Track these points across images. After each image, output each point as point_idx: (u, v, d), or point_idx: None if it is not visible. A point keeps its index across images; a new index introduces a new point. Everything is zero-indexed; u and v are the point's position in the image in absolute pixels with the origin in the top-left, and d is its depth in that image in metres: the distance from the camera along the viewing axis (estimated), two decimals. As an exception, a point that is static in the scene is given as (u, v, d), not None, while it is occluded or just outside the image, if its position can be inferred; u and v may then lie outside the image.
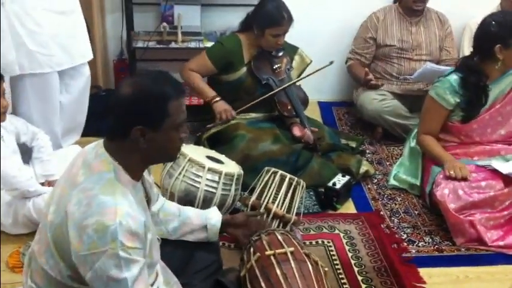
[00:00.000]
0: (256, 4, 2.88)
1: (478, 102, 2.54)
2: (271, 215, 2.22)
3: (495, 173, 2.46)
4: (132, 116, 1.39)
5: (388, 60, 3.34)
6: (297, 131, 2.83)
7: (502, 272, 2.25)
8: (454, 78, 2.53)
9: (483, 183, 2.43)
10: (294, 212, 2.28)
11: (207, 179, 2.26)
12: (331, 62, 2.87)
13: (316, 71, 2.91)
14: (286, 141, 2.78)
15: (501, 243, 2.36)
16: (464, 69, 2.54)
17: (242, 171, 2.39)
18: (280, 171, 2.31)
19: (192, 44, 3.28)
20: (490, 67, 2.49)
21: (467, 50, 3.21)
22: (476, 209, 2.39)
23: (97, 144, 1.48)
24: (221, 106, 2.84)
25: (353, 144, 3.11)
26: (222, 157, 2.47)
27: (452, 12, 3.45)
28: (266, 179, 2.31)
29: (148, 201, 1.61)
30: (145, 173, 1.59)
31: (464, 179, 2.43)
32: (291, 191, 2.28)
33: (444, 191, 2.42)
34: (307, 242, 2.33)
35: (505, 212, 2.40)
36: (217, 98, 2.85)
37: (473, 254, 2.35)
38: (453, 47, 3.38)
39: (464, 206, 2.38)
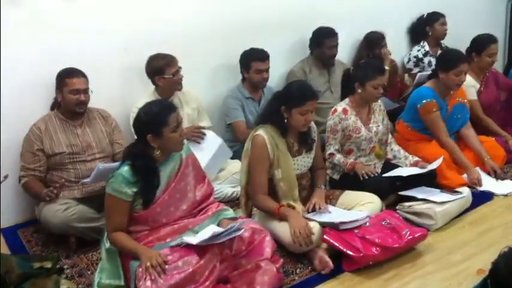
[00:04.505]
0: None
1: (152, 185, 2.63)
2: None
3: (189, 248, 2.55)
4: None
5: (62, 168, 3.26)
6: None
7: None
8: (125, 169, 2.59)
9: (180, 263, 2.49)
10: None
11: None
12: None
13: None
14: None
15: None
16: (130, 157, 2.63)
17: None
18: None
19: None
20: (153, 151, 2.63)
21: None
22: (182, 289, 2.43)
23: None
24: None
25: (48, 265, 2.87)
26: None
27: (113, 106, 3.59)
28: None
29: None
30: None
31: (163, 265, 2.46)
32: None
33: (147, 284, 2.41)
34: None
35: (207, 282, 2.50)
36: None
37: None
38: (123, 139, 3.48)
39: (169, 292, 2.40)
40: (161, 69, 3.60)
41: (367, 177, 3.28)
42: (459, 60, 3.76)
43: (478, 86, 4.34)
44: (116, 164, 2.97)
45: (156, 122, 2.58)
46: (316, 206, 3.04)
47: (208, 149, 3.59)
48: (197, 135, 3.63)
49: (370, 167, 3.43)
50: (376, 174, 3.35)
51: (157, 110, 2.61)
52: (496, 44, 4.28)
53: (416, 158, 3.58)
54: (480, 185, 3.73)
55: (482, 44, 4.28)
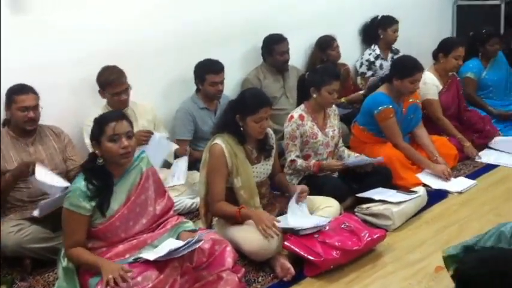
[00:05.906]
0: None
1: (107, 190, 2.59)
2: None
3: (148, 263, 2.50)
4: None
5: (15, 187, 3.12)
6: None
7: None
8: (82, 183, 2.55)
9: (139, 278, 2.44)
10: None
11: None
12: None
13: None
14: None
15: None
16: (86, 169, 2.62)
17: None
18: None
19: None
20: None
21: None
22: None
23: None
24: None
25: (3, 289, 2.80)
26: None
27: (65, 121, 3.52)
28: None
29: None
30: None
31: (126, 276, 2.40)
32: None
33: (106, 302, 2.35)
34: None
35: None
36: None
37: None
38: (76, 155, 3.39)
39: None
40: (104, 86, 3.58)
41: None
42: (415, 68, 3.81)
43: (440, 87, 4.42)
44: (57, 196, 2.89)
45: (95, 129, 2.59)
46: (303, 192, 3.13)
47: (151, 144, 3.52)
48: (143, 138, 3.52)
49: (334, 161, 3.53)
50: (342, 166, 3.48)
51: (99, 119, 2.63)
52: (464, 48, 4.34)
53: (358, 154, 3.64)
54: (450, 175, 3.84)
55: (450, 45, 4.35)
